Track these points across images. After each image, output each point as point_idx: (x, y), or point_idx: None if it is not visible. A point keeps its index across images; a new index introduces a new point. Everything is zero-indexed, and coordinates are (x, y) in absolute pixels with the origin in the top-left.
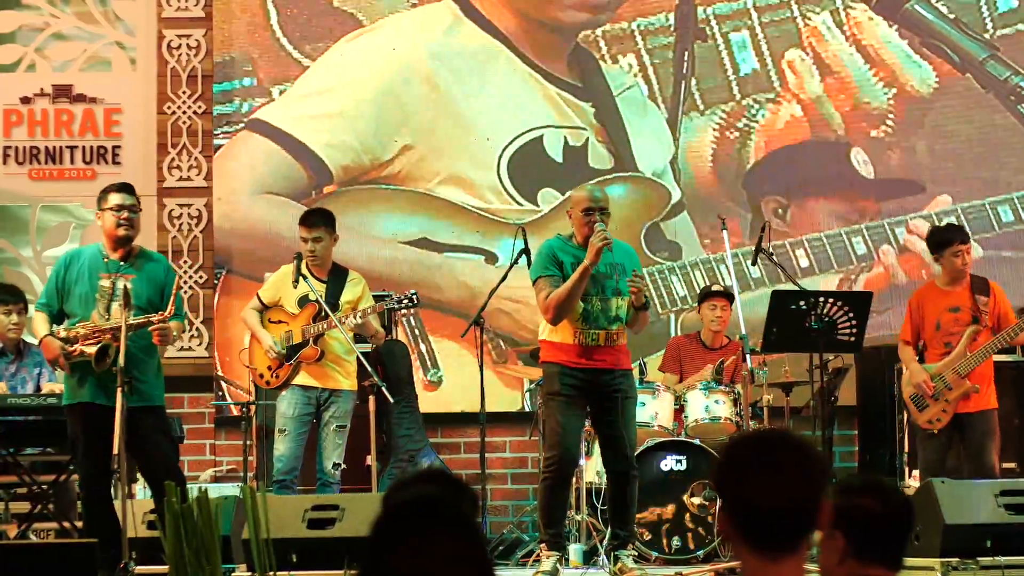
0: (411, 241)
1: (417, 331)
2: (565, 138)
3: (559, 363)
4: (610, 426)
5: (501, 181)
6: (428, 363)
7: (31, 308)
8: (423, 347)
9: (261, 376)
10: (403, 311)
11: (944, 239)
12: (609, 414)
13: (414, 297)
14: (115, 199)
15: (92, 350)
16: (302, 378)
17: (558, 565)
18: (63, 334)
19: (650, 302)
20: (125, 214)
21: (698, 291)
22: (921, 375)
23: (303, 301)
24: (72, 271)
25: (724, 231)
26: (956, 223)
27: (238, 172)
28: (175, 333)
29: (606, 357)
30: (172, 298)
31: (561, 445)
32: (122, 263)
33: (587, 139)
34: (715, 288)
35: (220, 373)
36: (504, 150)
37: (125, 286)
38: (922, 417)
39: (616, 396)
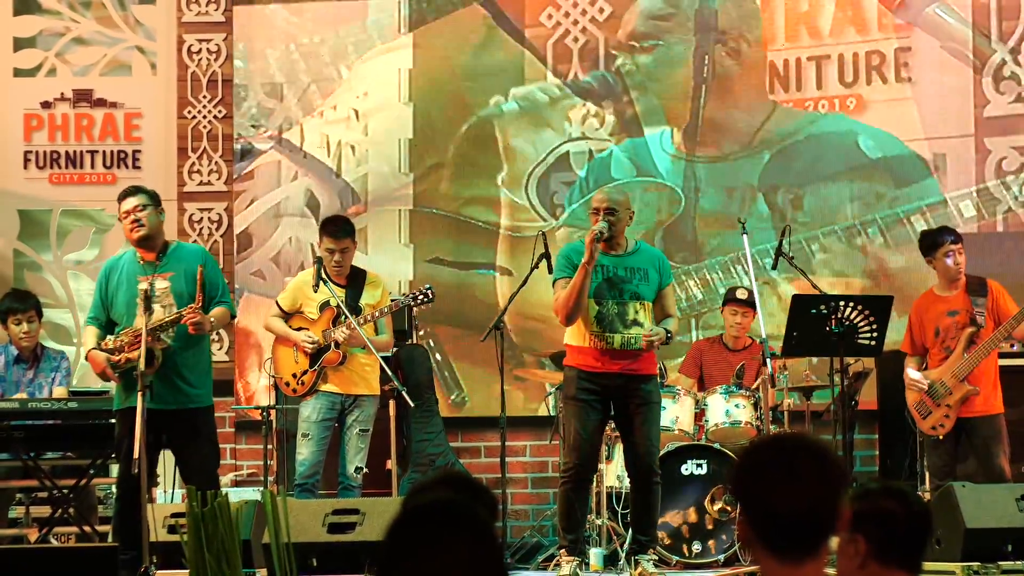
0: (436, 260)
1: (439, 356)
2: (590, 150)
3: (576, 367)
4: (629, 432)
5: (529, 199)
6: (451, 385)
7: (46, 313)
8: (446, 372)
9: (287, 384)
10: (421, 306)
11: (934, 241)
12: (628, 420)
13: (429, 292)
14: (121, 206)
15: (136, 355)
16: (327, 385)
17: (578, 571)
18: (110, 345)
19: (666, 339)
20: (131, 217)
21: (711, 292)
22: (912, 377)
23: (323, 306)
24: (112, 280)
25: (744, 235)
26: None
27: (261, 193)
28: (213, 321)
29: (623, 361)
30: (200, 287)
31: (577, 451)
32: (156, 263)
33: (611, 151)
34: (739, 295)
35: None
36: (533, 170)
37: (144, 291)
38: (926, 424)
39: (634, 401)
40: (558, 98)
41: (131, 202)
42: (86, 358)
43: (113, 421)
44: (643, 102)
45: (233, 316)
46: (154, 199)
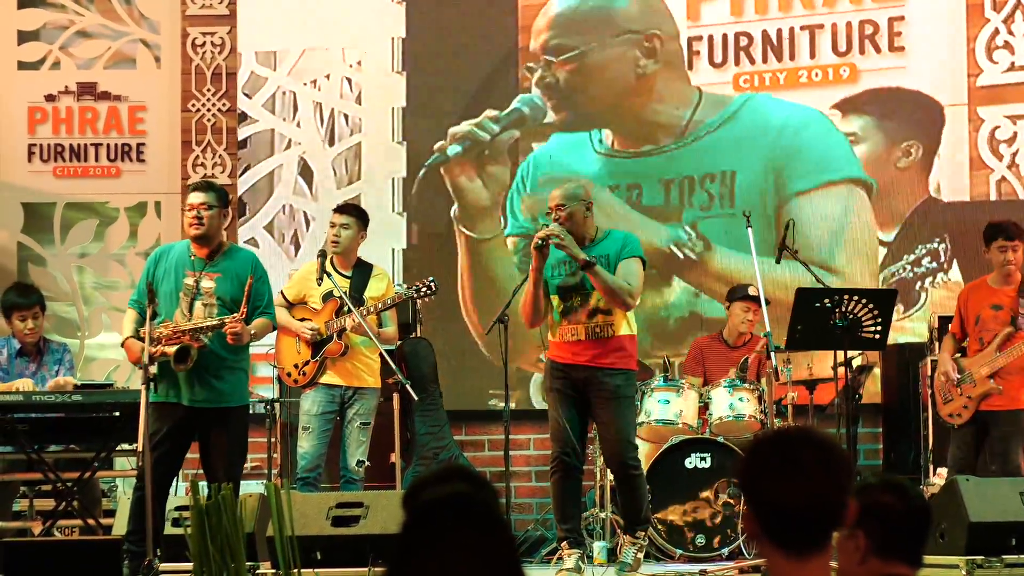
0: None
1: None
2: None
3: (551, 359)
4: (599, 425)
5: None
6: None
7: (49, 307)
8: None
9: (288, 375)
10: (424, 299)
11: (990, 233)
12: (595, 412)
13: (432, 284)
14: (189, 199)
15: (172, 351)
16: (328, 377)
17: (580, 563)
18: (154, 333)
19: (588, 262)
20: (194, 213)
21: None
22: (944, 366)
23: (327, 297)
24: (160, 267)
25: (748, 228)
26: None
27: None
28: (252, 332)
29: (587, 352)
30: (245, 299)
31: (557, 440)
32: (207, 261)
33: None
34: (751, 291)
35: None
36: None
37: (187, 285)
38: (944, 409)
39: (601, 395)
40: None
41: (198, 197)
42: (122, 344)
43: (117, 414)
44: (572, 111)
45: (274, 327)
46: (221, 199)
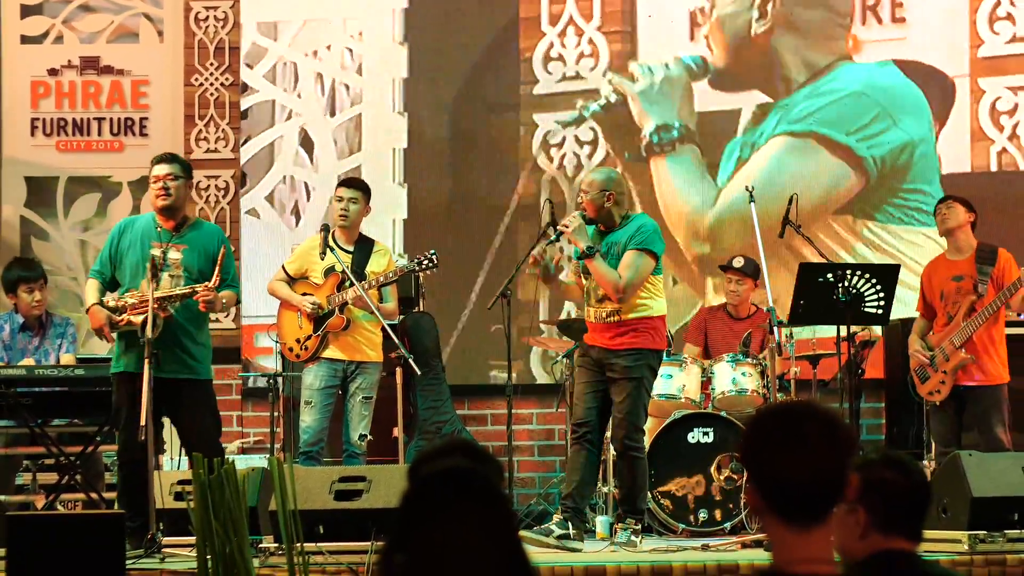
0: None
1: None
2: None
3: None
4: (611, 404)
5: None
6: None
7: (52, 280)
8: None
9: (291, 349)
10: (425, 272)
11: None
12: (609, 391)
13: (434, 257)
14: (154, 170)
15: (139, 320)
16: (330, 351)
17: (556, 528)
18: (112, 303)
19: (584, 252)
20: (160, 184)
21: None
22: (913, 346)
23: (329, 271)
24: (125, 239)
25: (752, 203)
26: None
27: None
28: (223, 302)
29: (599, 336)
30: (218, 268)
31: (574, 413)
32: (174, 233)
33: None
34: (735, 263)
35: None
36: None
37: (153, 256)
38: (923, 389)
39: (610, 375)
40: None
41: (163, 169)
42: (87, 311)
43: None
44: None
45: (239, 301)
46: (186, 170)
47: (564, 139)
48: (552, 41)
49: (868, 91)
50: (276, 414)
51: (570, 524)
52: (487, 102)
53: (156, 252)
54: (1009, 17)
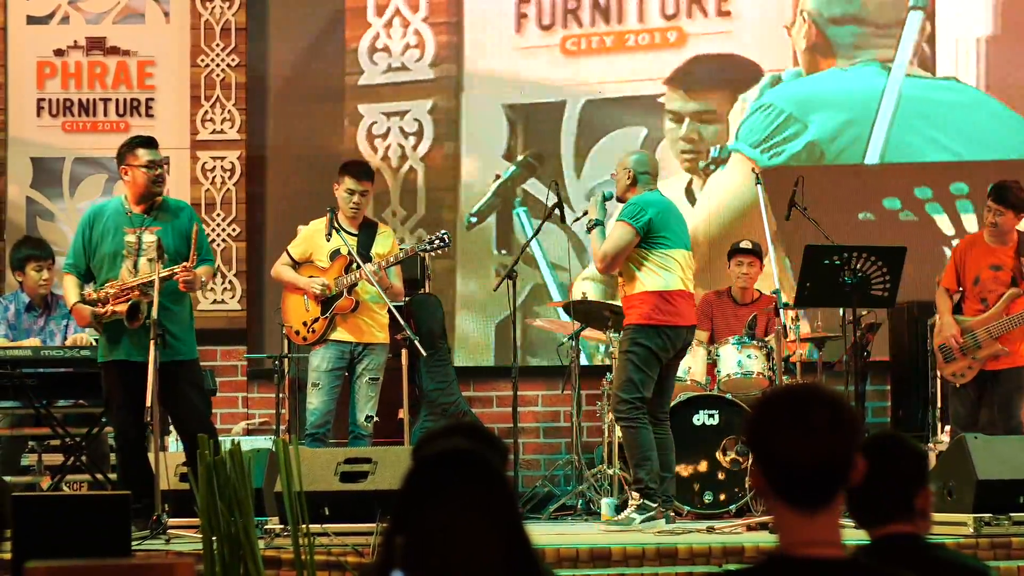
0: None
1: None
2: None
3: None
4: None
5: None
6: None
7: (59, 261)
8: None
9: (297, 332)
10: (435, 252)
11: (992, 193)
12: None
13: (445, 237)
14: (146, 155)
15: (123, 308)
16: (338, 333)
17: (636, 515)
18: (93, 296)
19: (594, 224)
20: (157, 171)
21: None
22: (952, 328)
23: (334, 254)
24: (97, 229)
25: (759, 185)
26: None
27: None
28: (203, 279)
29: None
30: (193, 244)
31: None
32: (146, 216)
33: None
34: (743, 245)
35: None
36: None
37: (159, 239)
38: (947, 369)
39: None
40: None
41: (157, 155)
42: (69, 310)
43: None
44: None
45: (214, 273)
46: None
47: (389, 130)
48: (378, 32)
49: (776, 100)
50: (282, 396)
51: (648, 503)
52: (313, 92)
53: (131, 238)
54: None
